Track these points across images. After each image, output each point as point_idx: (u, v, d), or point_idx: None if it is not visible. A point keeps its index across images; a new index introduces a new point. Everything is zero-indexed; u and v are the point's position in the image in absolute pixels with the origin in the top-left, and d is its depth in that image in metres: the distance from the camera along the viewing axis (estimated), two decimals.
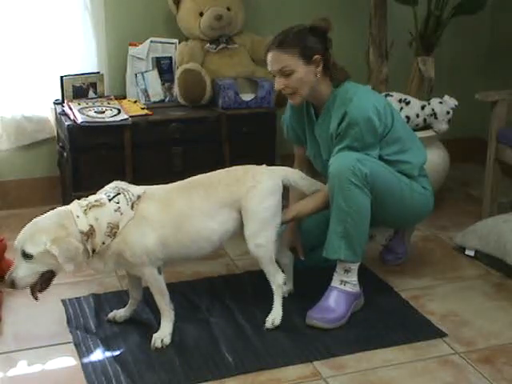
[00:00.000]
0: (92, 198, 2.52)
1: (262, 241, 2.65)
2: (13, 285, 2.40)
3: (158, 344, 2.57)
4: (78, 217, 2.43)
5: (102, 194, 2.54)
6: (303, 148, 3.04)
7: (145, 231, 2.50)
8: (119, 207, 2.48)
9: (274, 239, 2.69)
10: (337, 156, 2.73)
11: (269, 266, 2.70)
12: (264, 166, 2.77)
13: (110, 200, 2.49)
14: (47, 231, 2.38)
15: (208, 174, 2.72)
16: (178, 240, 2.57)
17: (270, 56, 2.73)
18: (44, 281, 2.45)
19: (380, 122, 2.72)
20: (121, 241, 2.48)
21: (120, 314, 2.76)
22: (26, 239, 2.38)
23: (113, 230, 2.46)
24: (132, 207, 2.50)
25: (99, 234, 2.44)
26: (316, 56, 2.71)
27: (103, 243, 2.46)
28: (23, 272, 2.39)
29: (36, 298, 2.48)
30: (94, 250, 2.46)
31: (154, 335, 2.59)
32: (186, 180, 2.70)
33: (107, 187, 2.58)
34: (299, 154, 3.08)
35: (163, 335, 2.59)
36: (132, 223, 2.49)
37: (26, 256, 2.38)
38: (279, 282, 2.72)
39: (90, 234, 2.42)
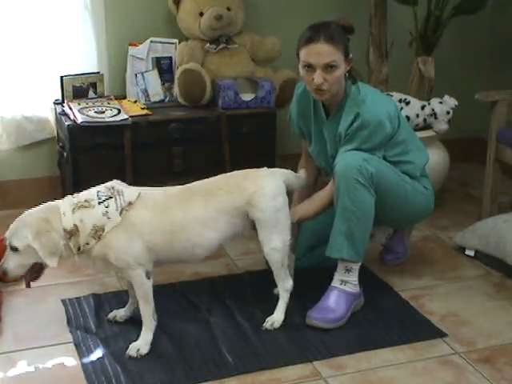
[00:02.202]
0: (83, 197, 2.52)
1: (277, 244, 2.65)
2: (5, 274, 2.49)
3: (133, 353, 2.53)
4: (64, 214, 2.46)
5: (94, 194, 2.52)
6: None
7: (131, 237, 2.48)
8: (107, 211, 2.47)
9: (289, 241, 2.69)
10: (343, 155, 2.72)
11: (280, 270, 2.69)
12: (264, 168, 2.74)
13: (100, 203, 2.48)
14: (30, 225, 2.43)
15: (208, 179, 2.68)
16: (169, 247, 2.55)
17: (316, 48, 2.65)
18: (35, 271, 2.52)
19: (390, 126, 2.73)
20: (105, 244, 2.47)
21: (120, 313, 2.76)
22: (12, 233, 2.46)
23: (97, 233, 2.45)
24: (121, 213, 2.48)
25: (83, 234, 2.45)
26: (351, 55, 2.71)
27: (87, 244, 2.46)
28: (12, 264, 2.46)
29: (28, 286, 2.55)
30: (79, 249, 2.47)
31: (132, 343, 2.56)
32: (186, 186, 2.66)
33: (103, 186, 2.56)
34: (305, 148, 3.06)
35: (140, 345, 2.55)
36: (119, 228, 2.47)
37: (13, 249, 2.45)
38: (287, 288, 2.72)
39: (73, 233, 2.45)
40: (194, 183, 2.67)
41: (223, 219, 2.59)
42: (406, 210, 2.90)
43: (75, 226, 2.45)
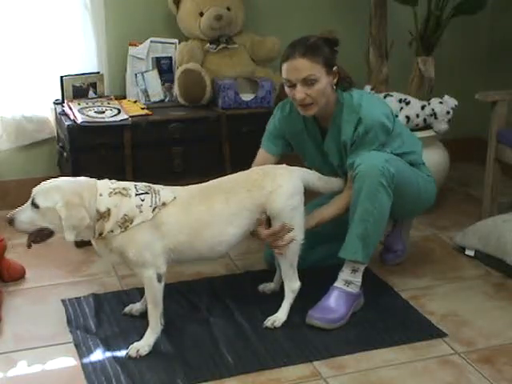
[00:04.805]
0: (122, 185, 2.52)
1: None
2: (11, 223, 2.45)
3: (133, 353, 2.52)
4: (100, 195, 2.45)
5: (132, 185, 2.53)
6: (272, 156, 2.95)
7: (156, 236, 2.49)
8: (141, 205, 2.47)
9: (302, 240, 2.69)
10: (365, 156, 2.71)
11: (289, 269, 2.70)
12: (284, 165, 2.76)
13: (136, 195, 2.49)
14: (63, 192, 2.40)
15: (227, 177, 2.71)
16: (193, 246, 2.57)
17: (292, 64, 2.68)
18: (42, 235, 2.47)
19: (390, 124, 2.78)
20: (128, 237, 2.46)
21: (136, 307, 2.77)
22: (41, 190, 2.43)
23: (125, 223, 2.45)
24: (153, 211, 2.48)
25: (112, 220, 2.44)
26: (335, 67, 2.72)
27: (112, 231, 2.45)
28: (24, 217, 2.43)
29: (28, 246, 2.50)
30: (101, 234, 2.46)
31: (134, 344, 2.56)
32: (207, 183, 2.67)
33: (140, 183, 2.57)
34: (263, 159, 2.95)
35: (141, 346, 2.55)
36: (146, 224, 2.47)
37: (34, 205, 2.42)
38: (294, 288, 2.72)
39: (104, 216, 2.43)
40: (214, 181, 2.69)
41: (244, 215, 2.61)
42: (417, 201, 2.97)
43: (108, 209, 2.43)
